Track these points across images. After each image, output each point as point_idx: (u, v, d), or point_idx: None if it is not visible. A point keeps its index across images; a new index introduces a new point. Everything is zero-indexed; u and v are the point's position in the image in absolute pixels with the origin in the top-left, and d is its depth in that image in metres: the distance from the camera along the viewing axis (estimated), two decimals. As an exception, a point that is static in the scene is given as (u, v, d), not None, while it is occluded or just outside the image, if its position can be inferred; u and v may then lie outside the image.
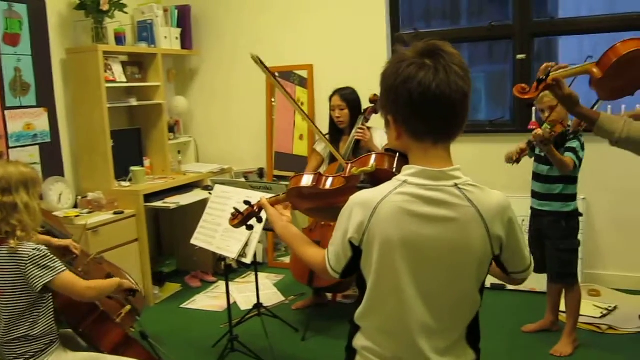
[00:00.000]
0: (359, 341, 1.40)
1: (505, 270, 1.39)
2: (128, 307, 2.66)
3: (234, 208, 1.83)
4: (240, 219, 1.80)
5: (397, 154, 1.42)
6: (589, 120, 2.04)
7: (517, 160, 3.27)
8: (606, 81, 1.98)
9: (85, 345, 2.53)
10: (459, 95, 1.25)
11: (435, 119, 1.27)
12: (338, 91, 3.81)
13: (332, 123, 3.86)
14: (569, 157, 3.08)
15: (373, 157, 1.46)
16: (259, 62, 2.65)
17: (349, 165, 1.51)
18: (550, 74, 1.99)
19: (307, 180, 1.57)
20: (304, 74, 4.84)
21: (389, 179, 1.32)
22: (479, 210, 1.27)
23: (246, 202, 1.80)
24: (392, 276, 1.29)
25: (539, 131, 3.01)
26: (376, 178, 1.40)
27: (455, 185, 1.28)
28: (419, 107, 1.25)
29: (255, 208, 1.77)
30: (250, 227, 1.82)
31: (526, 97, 2.01)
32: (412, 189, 1.27)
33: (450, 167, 1.29)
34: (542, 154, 3.17)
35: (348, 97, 3.77)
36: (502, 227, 1.30)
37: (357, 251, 1.33)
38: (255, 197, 1.86)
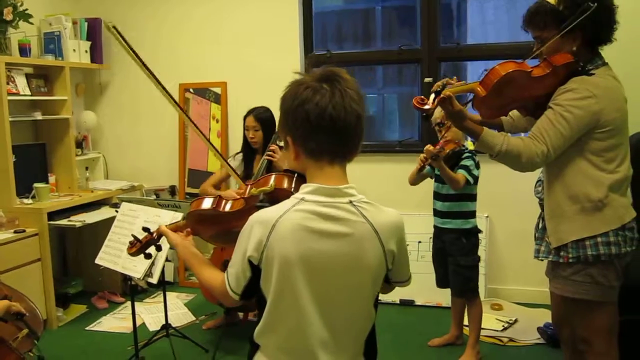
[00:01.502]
0: (260, 358, 1.41)
1: (389, 280, 1.46)
2: (25, 330, 2.53)
3: (132, 235, 1.79)
4: (139, 247, 1.76)
5: (296, 174, 1.45)
6: (473, 134, 2.17)
7: (434, 157, 3.29)
8: (489, 99, 2.12)
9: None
10: (353, 118, 1.31)
11: (331, 139, 1.32)
12: (252, 111, 3.81)
13: (246, 142, 3.86)
14: (461, 174, 3.23)
15: (273, 177, 1.48)
16: (115, 32, 2.36)
17: (249, 186, 1.52)
18: (445, 88, 2.11)
19: (207, 203, 1.56)
20: (218, 90, 4.83)
21: (287, 198, 1.36)
22: (374, 226, 1.34)
23: (145, 229, 1.76)
24: (291, 293, 1.32)
25: (430, 147, 3.16)
26: (275, 198, 1.42)
27: (350, 202, 1.34)
28: (316, 127, 1.30)
29: (154, 235, 1.74)
30: (148, 256, 1.78)
31: (424, 107, 2.06)
32: (309, 205, 1.32)
33: (345, 185, 1.35)
34: None
35: (262, 116, 3.76)
36: (395, 243, 1.38)
37: (256, 271, 1.34)
38: (162, 216, 1.84)
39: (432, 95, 2.08)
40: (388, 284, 1.47)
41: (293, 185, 1.46)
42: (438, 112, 3.22)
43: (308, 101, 1.30)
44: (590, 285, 2.16)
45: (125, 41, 2.19)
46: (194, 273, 1.58)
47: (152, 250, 1.78)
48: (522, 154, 2.10)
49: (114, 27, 2.15)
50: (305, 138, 1.34)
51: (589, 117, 2.07)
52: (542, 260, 2.36)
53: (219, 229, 1.60)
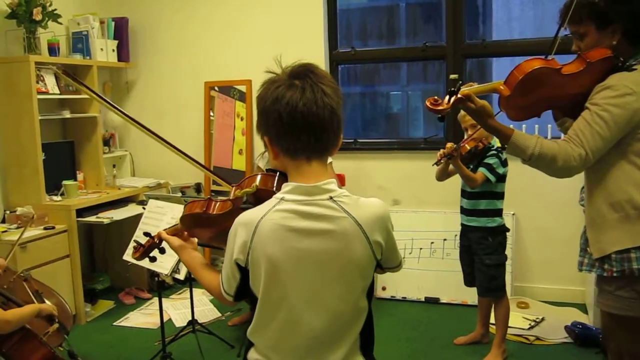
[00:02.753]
0: (253, 355, 1.43)
1: (380, 266, 1.44)
2: (55, 325, 2.59)
3: (135, 241, 1.84)
4: (142, 251, 1.79)
5: (277, 173, 1.45)
6: (502, 136, 2.04)
7: (438, 163, 3.30)
8: (514, 99, 2.00)
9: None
10: (326, 112, 1.31)
11: (306, 137, 1.32)
12: None
13: None
14: (480, 172, 3.21)
15: (257, 177, 1.49)
16: (67, 76, 2.38)
17: (234, 187, 1.53)
18: (461, 88, 2.00)
19: (198, 206, 1.58)
20: (243, 88, 4.85)
21: (271, 197, 1.37)
22: (356, 220, 1.32)
23: (146, 234, 1.80)
24: (278, 292, 1.33)
25: (449, 144, 3.15)
26: (259, 198, 1.43)
27: (330, 197, 1.33)
28: (289, 125, 1.30)
29: (155, 239, 1.77)
30: (153, 259, 1.81)
31: (438, 108, 1.97)
32: (289, 205, 1.32)
33: (323, 181, 1.34)
34: None
35: None
36: (380, 234, 1.36)
37: (244, 272, 1.36)
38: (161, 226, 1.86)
39: (447, 96, 1.97)
40: (381, 269, 1.46)
41: (275, 185, 1.46)
42: (468, 117, 3.18)
43: (279, 100, 1.30)
44: (637, 302, 1.99)
45: (77, 80, 2.21)
46: (194, 275, 1.60)
47: (156, 253, 1.80)
48: (557, 158, 1.96)
49: (64, 72, 2.19)
50: (280, 137, 1.34)
51: (629, 115, 1.93)
52: (586, 272, 2.17)
53: (213, 231, 1.61)
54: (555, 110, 2.22)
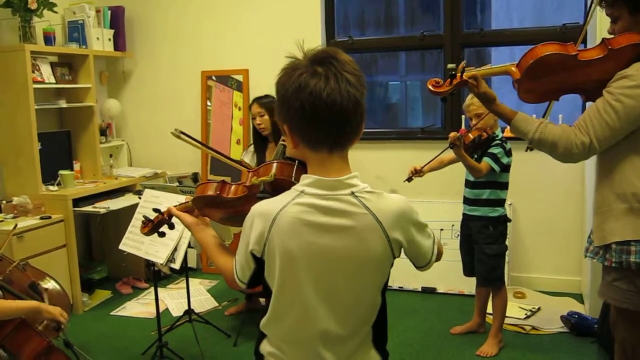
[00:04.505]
0: (265, 347, 1.41)
1: (413, 262, 1.42)
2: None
3: (144, 216, 1.81)
4: (151, 226, 1.78)
5: (297, 162, 1.42)
6: (505, 119, 2.07)
7: (409, 179, 3.44)
8: (525, 82, 2.01)
9: (5, 355, 2.44)
10: (350, 104, 1.25)
11: (328, 128, 1.27)
12: (256, 99, 3.81)
13: (256, 132, 3.84)
14: (485, 162, 3.20)
15: (274, 166, 1.46)
16: (182, 136, 2.41)
17: (250, 174, 1.51)
18: (466, 71, 2.01)
19: (211, 189, 1.56)
20: (240, 78, 4.83)
21: (288, 188, 1.34)
22: (377, 216, 1.29)
23: (155, 210, 1.78)
24: (294, 286, 1.31)
25: (452, 134, 3.15)
26: (276, 187, 1.40)
27: (352, 193, 1.29)
28: (311, 116, 1.25)
29: (165, 215, 1.76)
30: (162, 234, 1.80)
31: (439, 90, 1.99)
32: (309, 199, 1.28)
33: (346, 176, 1.30)
34: None
35: (268, 105, 3.76)
36: (401, 232, 1.32)
37: (259, 262, 1.34)
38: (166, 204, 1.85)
39: (449, 79, 1.99)
40: (415, 267, 1.43)
41: (294, 175, 1.42)
42: (477, 104, 3.17)
43: (302, 88, 1.24)
44: (635, 295, 1.98)
45: (195, 140, 2.33)
46: (207, 255, 1.58)
47: (165, 229, 1.79)
48: (558, 144, 1.97)
49: (180, 132, 2.22)
50: (301, 128, 1.28)
51: None
52: (589, 259, 2.19)
53: (226, 213, 1.61)
54: (582, 94, 2.18)
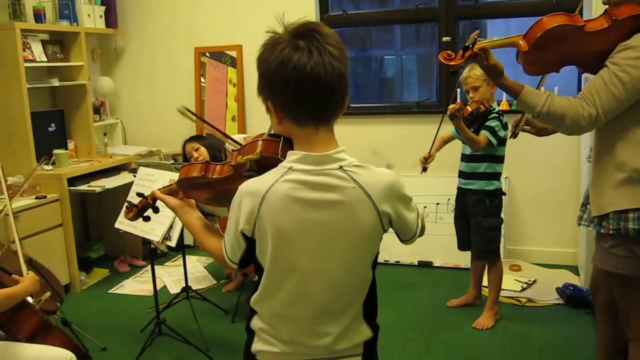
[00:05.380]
0: (257, 323, 1.41)
1: (398, 236, 1.42)
2: (48, 293, 2.58)
3: (127, 201, 1.79)
4: (135, 211, 1.76)
5: (282, 139, 1.40)
6: (512, 93, 2.06)
7: (424, 169, 3.39)
8: (532, 55, 2.00)
9: (3, 334, 2.45)
10: (335, 77, 1.23)
11: (314, 103, 1.25)
12: (186, 142, 3.86)
13: None
14: (483, 134, 3.19)
15: (259, 143, 1.44)
16: (188, 113, 2.41)
17: (235, 153, 1.49)
18: (477, 43, 2.00)
19: (196, 169, 1.54)
20: (234, 54, 4.79)
21: (275, 165, 1.32)
22: (365, 190, 1.29)
23: (139, 195, 1.76)
24: (286, 262, 1.31)
25: (451, 106, 3.15)
26: (263, 164, 1.39)
27: (340, 167, 1.28)
28: (296, 92, 1.23)
29: (149, 199, 1.74)
30: (147, 219, 1.79)
31: (451, 63, 1.99)
32: (297, 175, 1.27)
33: (333, 150, 1.29)
34: None
35: (197, 138, 3.86)
36: (389, 205, 1.32)
37: (250, 241, 1.33)
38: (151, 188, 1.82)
39: (462, 50, 1.98)
40: (400, 240, 1.44)
41: (280, 151, 1.39)
42: (475, 76, 3.16)
43: (285, 64, 1.21)
44: (631, 260, 2.01)
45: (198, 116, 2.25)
46: (194, 237, 1.56)
47: (150, 213, 1.78)
48: (566, 116, 1.96)
49: (185, 108, 2.17)
50: (285, 103, 1.26)
51: None
52: (584, 227, 2.21)
53: (212, 193, 1.58)
54: (579, 66, 2.19)
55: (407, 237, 1.41)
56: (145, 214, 1.78)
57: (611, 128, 2.02)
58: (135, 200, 1.77)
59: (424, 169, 3.38)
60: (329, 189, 1.27)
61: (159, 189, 1.68)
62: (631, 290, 2.10)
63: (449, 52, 2.04)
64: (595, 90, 1.95)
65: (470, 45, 1.98)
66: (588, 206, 2.15)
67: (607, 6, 2.05)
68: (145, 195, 1.74)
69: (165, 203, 1.64)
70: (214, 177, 1.50)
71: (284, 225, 1.27)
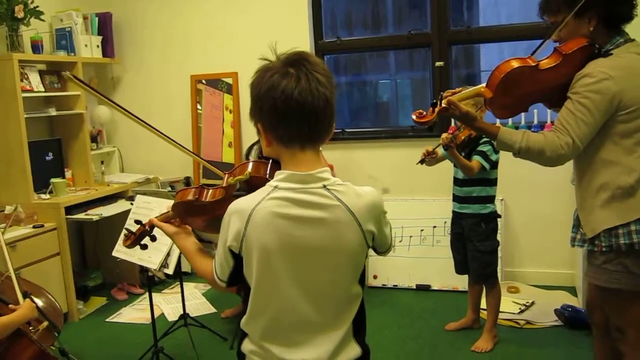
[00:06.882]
0: (247, 346, 1.44)
1: (375, 250, 1.47)
2: (45, 323, 2.59)
3: (126, 229, 1.82)
4: (133, 239, 1.79)
5: (270, 161, 1.46)
6: (490, 135, 2.15)
7: (422, 161, 3.40)
8: (497, 99, 2.09)
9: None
10: (321, 102, 1.31)
11: (300, 125, 1.32)
12: None
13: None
14: (475, 160, 3.22)
15: (250, 165, 1.50)
16: (74, 80, 2.41)
17: (226, 175, 1.53)
18: (444, 97, 2.12)
19: (190, 193, 1.58)
20: (230, 81, 4.84)
21: (264, 185, 1.37)
22: (350, 208, 1.34)
23: (137, 222, 1.79)
24: (272, 279, 1.34)
25: (444, 135, 3.18)
26: (252, 185, 1.44)
27: (324, 186, 1.34)
28: (283, 114, 1.31)
29: (146, 227, 1.76)
30: (144, 247, 1.81)
31: (424, 120, 2.10)
32: (283, 193, 1.33)
33: (317, 170, 1.35)
34: None
35: None
36: (373, 223, 1.38)
37: (238, 259, 1.37)
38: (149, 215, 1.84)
39: (431, 107, 2.10)
40: (376, 252, 1.50)
41: (268, 172, 1.47)
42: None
43: (274, 88, 1.30)
44: (623, 275, 2.07)
45: (87, 84, 2.21)
46: (189, 261, 1.60)
47: (147, 241, 1.80)
48: (545, 149, 2.04)
49: (72, 76, 2.16)
50: (274, 125, 1.34)
51: (608, 100, 1.99)
52: (578, 247, 2.27)
53: (206, 218, 1.61)
54: (544, 102, 2.28)
55: (383, 249, 1.48)
56: (142, 242, 1.80)
57: (586, 151, 2.10)
58: (133, 227, 1.79)
59: (422, 161, 3.39)
60: (313, 206, 1.32)
61: (156, 217, 1.71)
62: (624, 304, 2.15)
63: (420, 110, 2.15)
64: (566, 121, 2.04)
65: (438, 102, 2.10)
66: (581, 229, 2.20)
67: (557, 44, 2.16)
68: (143, 222, 1.77)
69: (162, 230, 1.67)
70: (207, 200, 1.54)
71: (269, 241, 1.31)
